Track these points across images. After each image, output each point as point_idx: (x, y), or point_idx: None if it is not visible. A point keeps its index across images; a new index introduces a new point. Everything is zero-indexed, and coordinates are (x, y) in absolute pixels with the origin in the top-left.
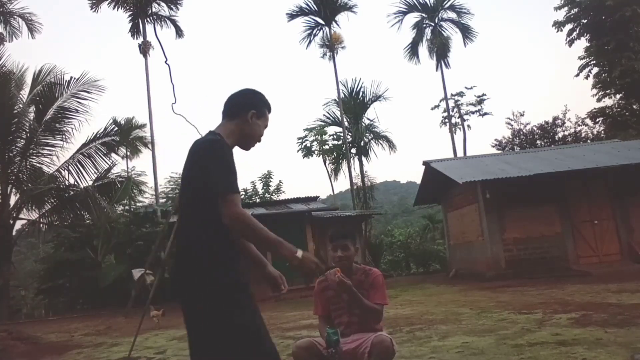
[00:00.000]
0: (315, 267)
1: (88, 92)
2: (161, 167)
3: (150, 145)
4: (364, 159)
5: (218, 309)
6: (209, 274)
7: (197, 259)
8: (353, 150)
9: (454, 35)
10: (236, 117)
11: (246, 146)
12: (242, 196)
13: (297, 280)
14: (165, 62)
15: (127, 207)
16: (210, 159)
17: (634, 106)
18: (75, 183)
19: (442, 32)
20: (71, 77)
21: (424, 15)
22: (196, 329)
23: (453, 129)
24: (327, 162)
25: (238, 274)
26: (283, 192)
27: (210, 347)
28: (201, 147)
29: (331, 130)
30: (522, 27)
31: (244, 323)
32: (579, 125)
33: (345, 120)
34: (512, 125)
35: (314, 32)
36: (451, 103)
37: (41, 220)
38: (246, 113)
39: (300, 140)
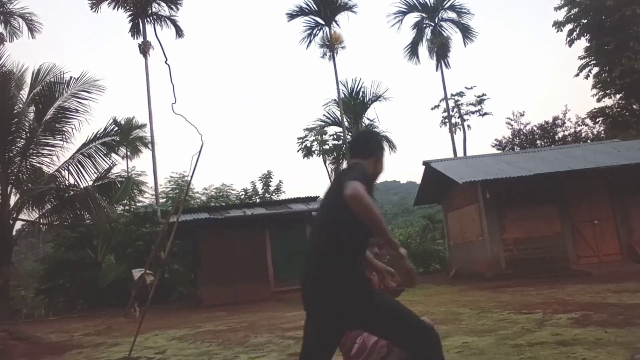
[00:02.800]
0: (411, 269)
1: (88, 92)
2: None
3: (150, 145)
4: None
5: (366, 300)
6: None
7: (340, 270)
8: None
9: (454, 35)
10: (370, 157)
11: (375, 181)
12: (242, 196)
13: (297, 280)
14: (165, 62)
15: (127, 207)
16: (349, 170)
17: (634, 106)
18: (75, 183)
19: (442, 32)
20: (71, 77)
21: (424, 15)
22: (361, 318)
23: (453, 129)
24: (327, 162)
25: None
26: (283, 192)
27: (380, 324)
28: (351, 168)
29: (331, 130)
30: (522, 27)
31: (384, 300)
32: (579, 125)
33: (345, 120)
34: (512, 125)
35: (314, 32)
36: (451, 103)
37: (41, 220)
38: (377, 153)
39: (301, 140)
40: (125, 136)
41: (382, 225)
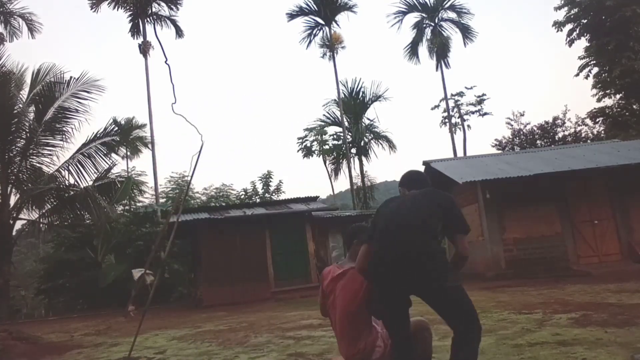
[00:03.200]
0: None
1: (88, 92)
2: (161, 167)
3: (150, 145)
4: (364, 159)
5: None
6: (443, 271)
7: (432, 262)
8: (353, 150)
9: (454, 35)
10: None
11: None
12: (242, 196)
13: (296, 281)
14: (165, 62)
15: (127, 207)
16: (456, 208)
17: (634, 106)
18: (75, 183)
19: (442, 32)
20: (71, 77)
21: (424, 15)
22: (446, 300)
23: (453, 129)
24: (327, 162)
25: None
26: (283, 192)
27: (454, 304)
28: (445, 197)
29: (331, 130)
30: (522, 27)
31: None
32: (579, 125)
33: (345, 120)
34: (512, 125)
35: (314, 32)
36: (451, 103)
37: (41, 220)
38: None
39: (301, 140)
40: (125, 136)
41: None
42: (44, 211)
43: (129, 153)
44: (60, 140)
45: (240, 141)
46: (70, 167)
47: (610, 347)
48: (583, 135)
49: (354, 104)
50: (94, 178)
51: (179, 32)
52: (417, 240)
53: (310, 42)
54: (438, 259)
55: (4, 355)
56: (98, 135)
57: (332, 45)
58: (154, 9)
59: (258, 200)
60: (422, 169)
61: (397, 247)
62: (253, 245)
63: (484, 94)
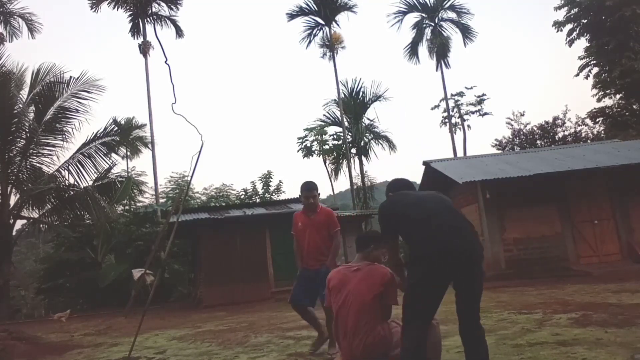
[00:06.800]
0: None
1: (88, 92)
2: (161, 167)
3: (150, 145)
4: (364, 159)
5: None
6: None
7: (476, 237)
8: (353, 150)
9: (454, 35)
10: None
11: None
12: (242, 196)
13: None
14: (165, 62)
15: (127, 207)
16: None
17: (634, 106)
18: (75, 183)
19: (442, 32)
20: (71, 77)
21: (424, 15)
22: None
23: (453, 129)
24: (327, 162)
25: None
26: (283, 192)
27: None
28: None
29: (331, 130)
30: (522, 27)
31: None
32: (579, 125)
33: (345, 120)
34: (512, 125)
35: (314, 32)
36: (451, 103)
37: (41, 220)
38: None
39: (301, 140)
40: (125, 136)
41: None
42: (44, 211)
43: (129, 153)
44: (60, 140)
45: (240, 141)
46: (70, 167)
47: (610, 347)
48: (583, 135)
49: (354, 104)
50: (94, 178)
51: (179, 32)
52: (468, 225)
53: (310, 42)
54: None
55: (4, 355)
56: (98, 135)
57: (332, 45)
58: (154, 9)
59: (258, 200)
60: (422, 169)
61: (456, 233)
62: (253, 245)
63: (484, 94)
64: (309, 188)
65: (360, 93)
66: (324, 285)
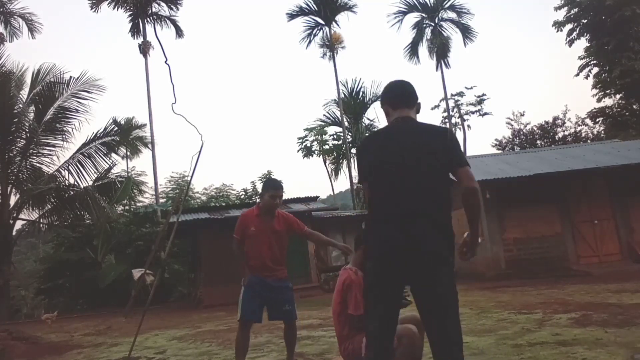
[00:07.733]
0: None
1: (88, 92)
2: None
3: (150, 145)
4: None
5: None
6: (451, 238)
7: (440, 223)
8: (353, 150)
9: (454, 35)
10: (413, 107)
11: None
12: (242, 196)
13: (296, 281)
14: (165, 62)
15: (127, 207)
16: (456, 141)
17: (634, 106)
18: (75, 183)
19: (442, 32)
20: (71, 77)
21: (424, 15)
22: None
23: (453, 128)
24: (327, 162)
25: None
26: (283, 192)
27: (451, 299)
28: (443, 132)
29: (331, 130)
30: (522, 27)
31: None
32: (579, 125)
33: (345, 120)
34: (512, 125)
35: (314, 32)
36: (451, 103)
37: (41, 220)
38: (418, 103)
39: (301, 140)
40: (125, 136)
41: (479, 219)
42: (44, 211)
43: (129, 153)
44: (60, 140)
45: (240, 141)
46: (70, 167)
47: (610, 347)
48: (583, 135)
49: (354, 104)
50: (94, 178)
51: (179, 32)
52: (435, 212)
53: (310, 42)
54: (448, 238)
55: (4, 355)
56: (98, 135)
57: (332, 45)
58: (154, 9)
59: (258, 200)
60: None
61: (408, 222)
62: None
63: (484, 94)
64: (278, 187)
65: (360, 93)
66: (288, 299)
